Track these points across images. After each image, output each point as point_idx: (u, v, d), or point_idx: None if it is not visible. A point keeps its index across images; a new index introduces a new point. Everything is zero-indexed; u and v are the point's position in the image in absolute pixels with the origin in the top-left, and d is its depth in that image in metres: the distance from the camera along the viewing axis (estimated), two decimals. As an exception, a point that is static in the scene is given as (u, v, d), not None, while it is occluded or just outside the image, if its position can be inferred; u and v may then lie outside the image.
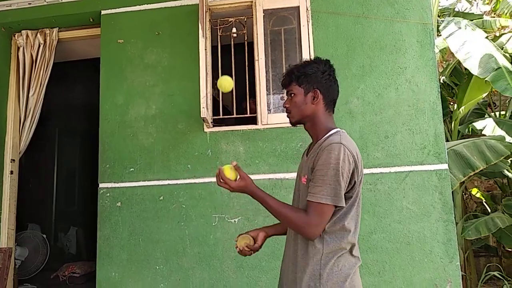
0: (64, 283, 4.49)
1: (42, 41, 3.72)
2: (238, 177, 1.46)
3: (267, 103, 3.18)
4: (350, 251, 1.42)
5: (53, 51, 3.72)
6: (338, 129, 1.48)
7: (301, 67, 1.51)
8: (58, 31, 3.73)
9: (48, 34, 3.72)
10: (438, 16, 5.57)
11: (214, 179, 3.10)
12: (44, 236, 4.78)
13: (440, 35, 4.67)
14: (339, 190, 1.33)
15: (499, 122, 4.31)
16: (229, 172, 1.45)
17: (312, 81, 1.48)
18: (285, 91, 1.57)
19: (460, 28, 4.04)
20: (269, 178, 3.05)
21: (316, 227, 1.34)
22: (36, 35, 3.73)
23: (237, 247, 1.57)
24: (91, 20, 3.62)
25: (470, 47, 3.85)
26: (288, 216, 1.38)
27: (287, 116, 1.55)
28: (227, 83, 1.70)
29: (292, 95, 1.51)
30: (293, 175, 3.00)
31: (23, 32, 3.74)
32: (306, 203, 1.37)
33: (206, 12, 3.19)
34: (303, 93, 1.49)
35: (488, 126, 4.27)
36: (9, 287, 3.42)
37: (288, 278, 1.47)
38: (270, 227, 1.67)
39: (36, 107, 3.69)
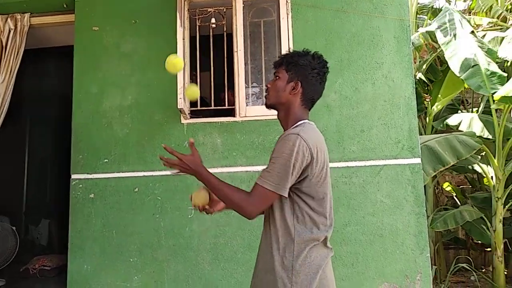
0: (35, 276, 4.37)
1: (12, 27, 3.57)
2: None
3: (246, 95, 3.16)
4: (324, 242, 1.43)
5: (24, 37, 3.58)
6: (306, 121, 1.48)
7: (295, 55, 1.50)
8: (29, 17, 3.59)
9: (19, 20, 3.58)
10: (417, 13, 5.67)
11: (190, 171, 3.10)
12: (14, 228, 4.64)
13: (417, 31, 4.75)
14: (285, 180, 1.34)
15: (473, 118, 4.43)
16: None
17: (299, 73, 1.48)
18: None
19: (450, 21, 4.07)
20: (246, 171, 3.04)
21: (253, 207, 1.37)
22: (7, 20, 3.58)
23: (191, 200, 1.56)
24: (65, 6, 3.50)
25: (456, 44, 3.90)
26: (229, 194, 1.40)
27: (265, 96, 1.56)
28: (176, 63, 1.74)
29: (277, 78, 1.51)
30: (270, 167, 3.01)
31: (-8, 16, 3.59)
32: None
33: (184, 1, 3.13)
34: (286, 80, 1.49)
35: (462, 122, 4.39)
36: (-24, 281, 3.31)
37: (262, 266, 1.47)
38: None
39: (6, 95, 3.55)
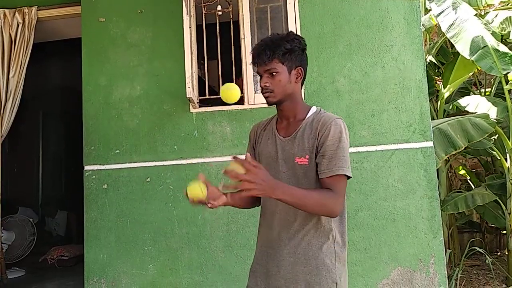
0: (53, 266, 4.48)
1: (20, 20, 3.59)
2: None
3: (254, 83, 3.15)
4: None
5: (33, 31, 3.61)
6: (314, 106, 1.50)
7: (283, 43, 1.40)
8: (37, 10, 3.60)
9: (26, 13, 3.60)
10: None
11: (200, 160, 3.12)
12: (31, 219, 4.74)
13: (427, 13, 4.65)
14: (349, 161, 1.36)
15: (482, 100, 4.34)
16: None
17: (296, 59, 1.42)
18: (261, 68, 1.41)
19: (451, 5, 3.99)
20: (256, 158, 3.04)
21: (342, 203, 1.35)
22: (14, 14, 3.60)
23: (186, 193, 1.38)
24: (71, -3, 3.51)
25: (461, 27, 3.82)
26: (320, 199, 1.29)
27: (267, 96, 1.42)
28: (233, 92, 1.51)
29: (274, 73, 1.39)
30: (280, 154, 3.01)
31: (0, 11, 3.60)
32: (326, 180, 1.33)
33: (190, -11, 3.10)
34: (286, 71, 1.40)
35: (472, 103, 4.31)
36: (-4, 271, 3.40)
37: (285, 261, 1.40)
38: (231, 197, 1.50)
39: (17, 89, 3.60)
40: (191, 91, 2.94)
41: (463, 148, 3.59)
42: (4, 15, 3.60)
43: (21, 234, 4.57)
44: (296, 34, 1.47)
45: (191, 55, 3.01)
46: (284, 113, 1.48)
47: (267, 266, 1.45)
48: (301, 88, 1.49)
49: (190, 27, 3.02)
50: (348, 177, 1.36)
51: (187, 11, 2.99)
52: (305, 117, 1.44)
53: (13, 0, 3.58)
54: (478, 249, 4.11)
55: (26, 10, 3.60)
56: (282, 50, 1.39)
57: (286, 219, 1.41)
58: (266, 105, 3.16)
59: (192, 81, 2.98)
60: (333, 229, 1.39)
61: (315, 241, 1.37)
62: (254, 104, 3.10)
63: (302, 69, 1.44)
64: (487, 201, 4.10)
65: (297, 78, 1.43)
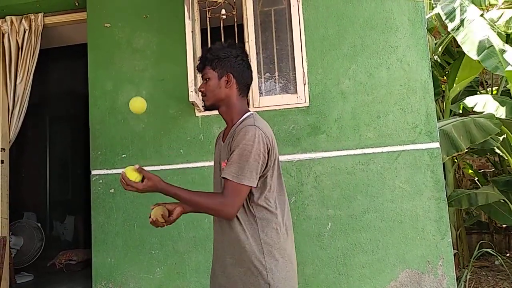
0: (61, 270, 4.51)
1: (27, 27, 3.64)
2: (142, 177, 1.43)
3: (259, 86, 3.15)
4: (285, 227, 1.49)
5: (39, 37, 3.65)
6: (252, 112, 1.53)
7: (214, 51, 1.52)
8: (43, 16, 3.65)
9: (33, 20, 3.64)
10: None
11: (206, 163, 3.12)
12: (39, 224, 4.77)
13: (431, 12, 4.63)
14: (253, 171, 1.37)
15: (490, 99, 4.30)
16: (131, 174, 1.40)
17: (225, 66, 1.50)
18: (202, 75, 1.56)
19: (459, 6, 3.97)
20: (262, 161, 3.04)
21: (232, 206, 1.38)
22: (21, 21, 3.65)
23: (150, 216, 1.50)
24: (77, 4, 3.54)
25: (468, 28, 3.80)
26: (205, 203, 1.40)
27: (202, 99, 1.57)
28: (139, 104, 1.65)
29: (207, 79, 1.52)
30: (286, 157, 3.01)
31: (7, 18, 3.65)
32: (223, 181, 1.40)
33: (193, -7, 3.12)
34: (217, 77, 1.51)
35: (480, 103, 4.27)
36: (5, 276, 3.43)
37: (229, 261, 1.47)
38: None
39: (24, 95, 3.64)
40: (194, 95, 2.95)
41: (465, 150, 3.56)
42: (11, 22, 3.65)
43: (30, 239, 4.60)
44: (233, 44, 1.56)
45: (194, 59, 3.02)
46: (223, 117, 1.58)
47: (215, 266, 1.56)
48: (240, 94, 1.54)
49: (192, 31, 3.02)
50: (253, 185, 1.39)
51: (189, 15, 3.00)
52: (237, 122, 1.50)
53: (20, 7, 3.62)
54: (487, 249, 4.07)
55: (32, 17, 3.64)
56: (210, 57, 1.51)
57: (223, 221, 1.48)
58: (271, 108, 3.18)
59: (195, 84, 2.99)
60: (264, 229, 1.42)
61: (247, 243, 1.42)
62: (259, 107, 3.10)
63: (231, 75, 1.50)
64: (491, 200, 4.06)
65: (227, 83, 1.51)
